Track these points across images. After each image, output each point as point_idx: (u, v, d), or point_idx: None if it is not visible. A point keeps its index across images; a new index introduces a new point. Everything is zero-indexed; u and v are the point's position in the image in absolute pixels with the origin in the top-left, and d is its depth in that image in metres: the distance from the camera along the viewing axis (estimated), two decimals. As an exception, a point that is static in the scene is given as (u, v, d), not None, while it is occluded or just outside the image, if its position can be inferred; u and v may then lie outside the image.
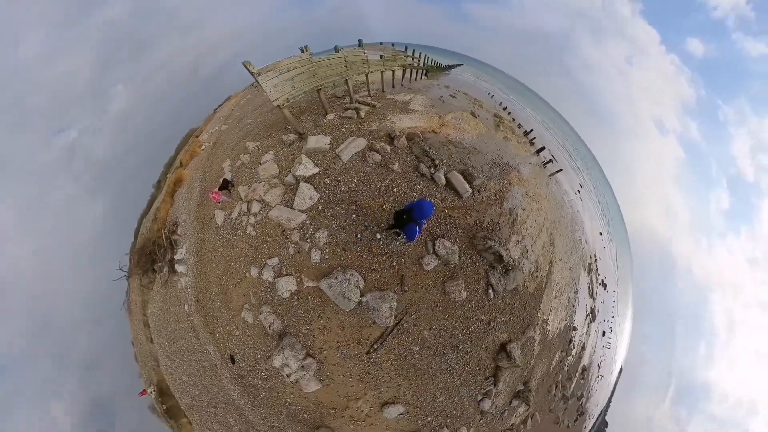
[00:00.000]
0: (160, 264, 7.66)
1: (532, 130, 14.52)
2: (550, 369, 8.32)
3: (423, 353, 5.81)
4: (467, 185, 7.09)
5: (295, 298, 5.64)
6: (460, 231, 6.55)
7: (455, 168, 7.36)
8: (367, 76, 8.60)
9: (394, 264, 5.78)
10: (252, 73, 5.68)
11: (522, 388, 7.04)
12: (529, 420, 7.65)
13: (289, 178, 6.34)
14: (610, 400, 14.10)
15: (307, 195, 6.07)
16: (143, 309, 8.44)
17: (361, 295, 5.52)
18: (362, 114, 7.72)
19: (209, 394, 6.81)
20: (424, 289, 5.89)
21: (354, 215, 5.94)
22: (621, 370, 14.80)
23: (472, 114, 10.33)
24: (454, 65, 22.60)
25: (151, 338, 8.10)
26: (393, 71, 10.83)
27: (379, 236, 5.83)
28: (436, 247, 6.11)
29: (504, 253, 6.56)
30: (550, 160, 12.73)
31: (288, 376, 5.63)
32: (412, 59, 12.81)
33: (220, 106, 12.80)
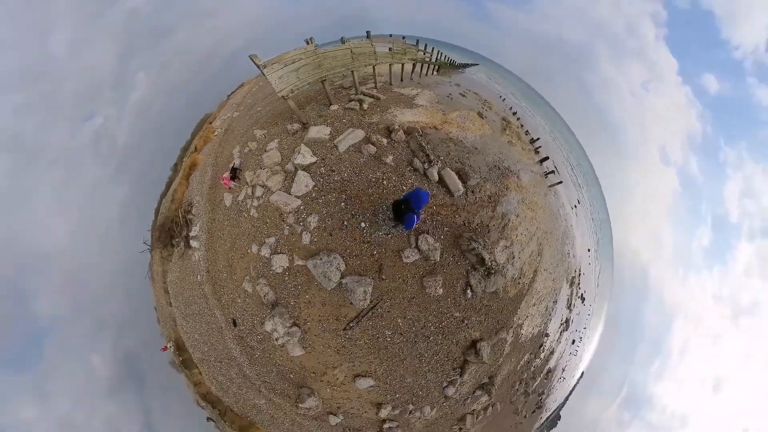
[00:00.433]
0: (177, 239, 8.55)
1: (539, 138, 13.61)
2: (517, 368, 8.50)
3: (395, 338, 6.29)
4: (460, 184, 7.13)
5: (287, 273, 6.28)
6: (446, 229, 6.73)
7: (451, 166, 7.38)
8: (374, 68, 8.65)
9: (375, 253, 6.20)
10: (258, 66, 6.10)
11: (487, 381, 7.34)
12: (490, 408, 8.02)
13: (290, 166, 6.86)
14: (566, 399, 14.56)
15: (303, 182, 6.58)
16: (164, 278, 9.51)
17: (342, 277, 6.03)
18: (365, 106, 7.90)
19: (216, 351, 7.85)
20: (401, 279, 6.26)
21: (343, 204, 6.38)
22: (582, 374, 15.31)
23: (479, 114, 9.93)
24: (469, 64, 21.17)
25: (170, 302, 9.23)
26: (402, 65, 10.65)
27: (363, 225, 6.25)
28: (419, 242, 6.37)
29: (487, 256, 6.65)
30: (552, 171, 12.17)
31: (276, 339, 6.46)
32: (423, 54, 12.38)
33: (233, 92, 13.17)
